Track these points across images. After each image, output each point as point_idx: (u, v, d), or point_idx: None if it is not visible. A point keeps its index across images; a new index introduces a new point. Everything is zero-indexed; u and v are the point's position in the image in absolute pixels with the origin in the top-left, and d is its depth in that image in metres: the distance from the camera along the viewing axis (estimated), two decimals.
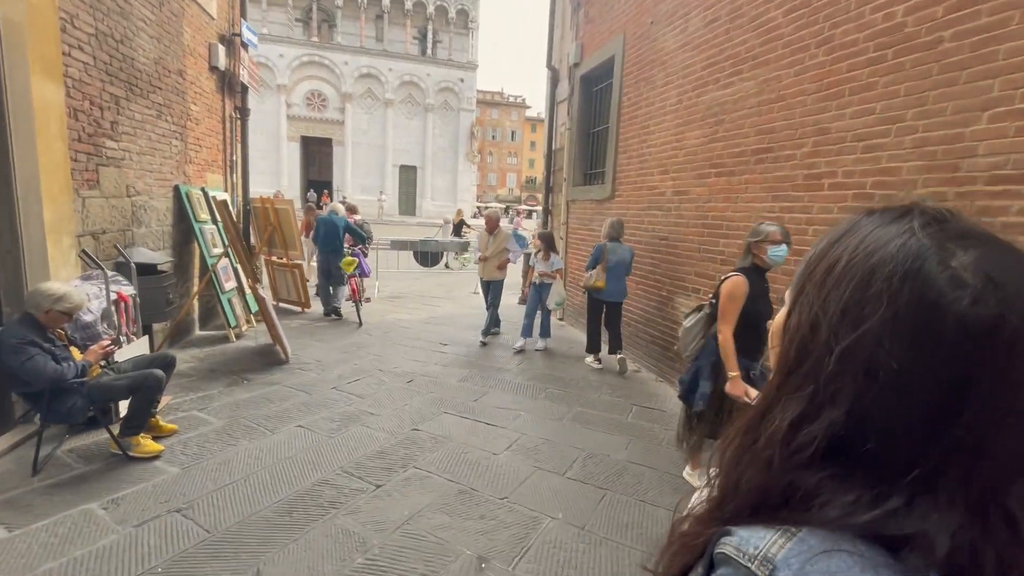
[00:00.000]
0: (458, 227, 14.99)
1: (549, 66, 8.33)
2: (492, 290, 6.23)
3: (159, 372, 3.08)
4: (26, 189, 3.17)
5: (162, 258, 4.78)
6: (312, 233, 7.82)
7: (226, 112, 6.74)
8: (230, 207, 6.41)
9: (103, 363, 3.14)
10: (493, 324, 6.29)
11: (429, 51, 34.54)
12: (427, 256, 12.68)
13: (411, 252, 12.39)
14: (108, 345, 3.09)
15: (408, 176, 35.68)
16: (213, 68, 6.24)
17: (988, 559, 0.37)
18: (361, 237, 7.54)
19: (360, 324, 6.74)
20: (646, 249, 5.39)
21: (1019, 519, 0.38)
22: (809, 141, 3.34)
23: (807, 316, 0.45)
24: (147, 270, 4.46)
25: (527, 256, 8.03)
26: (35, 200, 3.24)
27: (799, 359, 0.45)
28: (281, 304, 7.57)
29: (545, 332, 6.01)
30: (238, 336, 5.78)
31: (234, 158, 7.05)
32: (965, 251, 0.40)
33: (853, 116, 3.01)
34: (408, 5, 33.22)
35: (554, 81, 8.23)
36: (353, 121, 33.60)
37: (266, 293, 6.76)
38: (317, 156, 35.27)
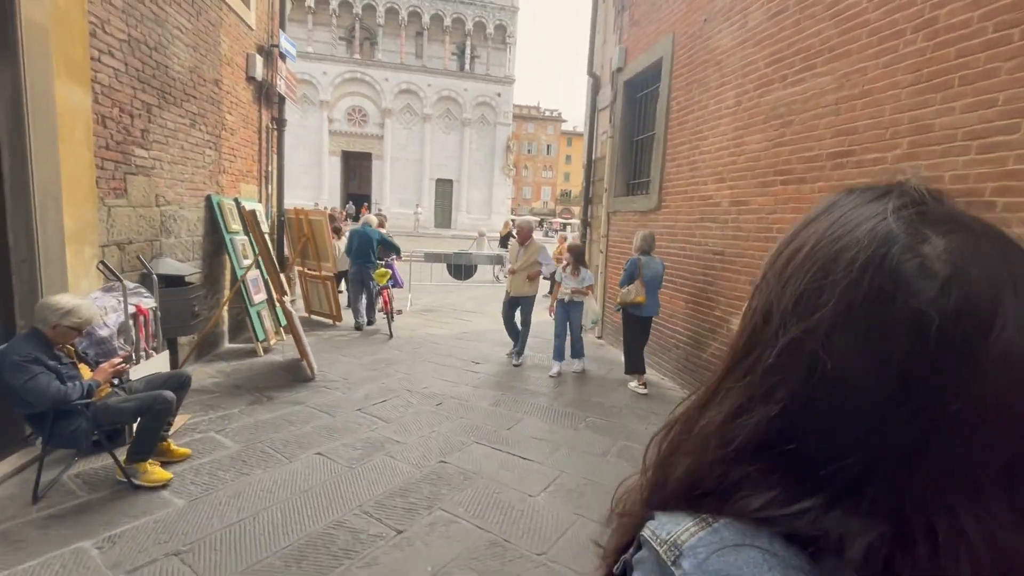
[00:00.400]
0: (505, 238, 14.94)
1: (590, 73, 8.00)
2: (523, 308, 5.74)
3: (169, 394, 2.84)
4: (44, 195, 3.03)
5: (189, 269, 4.65)
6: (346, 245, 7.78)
7: (263, 123, 6.69)
8: (260, 217, 6.31)
9: (114, 382, 2.94)
10: (523, 341, 5.83)
11: (467, 66, 34.93)
12: (461, 269, 12.47)
13: (444, 265, 12.23)
14: (119, 363, 2.89)
15: (444, 189, 35.97)
16: (250, 78, 6.20)
17: (903, 571, 0.33)
18: (396, 248, 7.49)
19: (391, 336, 6.53)
20: (698, 264, 4.92)
21: (940, 535, 0.33)
22: (903, 141, 2.86)
23: (762, 303, 0.41)
24: (174, 281, 4.33)
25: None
26: (54, 207, 3.10)
27: (746, 349, 0.41)
28: (313, 316, 7.45)
29: (578, 352, 5.55)
30: (266, 350, 5.61)
31: (269, 169, 7.00)
32: (941, 237, 0.35)
33: (965, 110, 2.53)
34: (447, 21, 33.77)
35: (595, 88, 7.89)
36: (392, 136, 34.20)
37: (297, 305, 6.62)
38: (357, 170, 36.04)
